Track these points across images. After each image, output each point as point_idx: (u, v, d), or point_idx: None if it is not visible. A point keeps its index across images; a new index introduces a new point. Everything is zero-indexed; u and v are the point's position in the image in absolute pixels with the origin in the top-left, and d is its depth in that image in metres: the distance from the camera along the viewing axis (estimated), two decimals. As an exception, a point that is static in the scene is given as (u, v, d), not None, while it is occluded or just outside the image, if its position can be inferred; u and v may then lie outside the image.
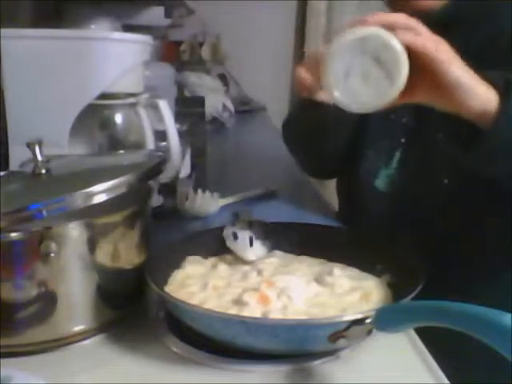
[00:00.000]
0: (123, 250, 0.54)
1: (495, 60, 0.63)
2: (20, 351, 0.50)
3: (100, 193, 0.50)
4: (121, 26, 1.15)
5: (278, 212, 0.90)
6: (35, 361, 0.50)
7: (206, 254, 0.65)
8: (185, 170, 0.92)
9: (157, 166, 0.60)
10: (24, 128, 0.68)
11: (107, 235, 0.53)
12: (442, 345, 0.53)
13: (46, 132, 0.61)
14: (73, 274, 0.51)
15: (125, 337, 0.53)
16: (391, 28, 0.53)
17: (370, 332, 0.46)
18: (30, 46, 0.69)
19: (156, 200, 0.80)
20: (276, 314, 0.52)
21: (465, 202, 0.76)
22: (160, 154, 0.68)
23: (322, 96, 0.59)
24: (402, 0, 0.78)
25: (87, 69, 0.70)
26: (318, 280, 0.58)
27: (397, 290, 0.55)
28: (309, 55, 0.58)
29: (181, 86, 1.77)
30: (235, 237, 0.65)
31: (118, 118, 0.76)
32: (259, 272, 0.60)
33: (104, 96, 0.72)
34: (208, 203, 0.91)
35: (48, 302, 0.50)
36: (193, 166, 0.97)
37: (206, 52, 2.29)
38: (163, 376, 0.48)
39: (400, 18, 0.55)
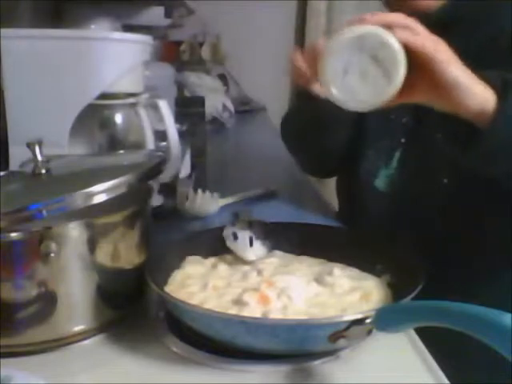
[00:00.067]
0: (123, 250, 0.54)
1: (494, 60, 0.63)
2: (20, 351, 0.50)
3: (100, 193, 0.50)
4: (121, 25, 1.15)
5: (278, 212, 0.90)
6: (35, 361, 0.50)
7: (206, 254, 0.65)
8: (185, 170, 0.92)
9: (157, 166, 0.60)
10: (24, 128, 0.68)
11: (107, 235, 0.53)
12: (442, 345, 0.53)
13: (46, 132, 0.61)
14: (73, 274, 0.51)
15: (125, 337, 0.53)
16: (390, 27, 0.53)
17: (370, 332, 0.46)
18: (30, 46, 0.69)
19: (156, 200, 0.80)
20: (276, 313, 0.52)
21: (465, 201, 0.76)
22: (160, 154, 0.68)
23: (317, 89, 0.59)
24: (401, 0, 0.78)
25: (87, 69, 0.70)
26: (318, 280, 0.58)
27: (397, 290, 0.55)
28: (307, 47, 0.58)
29: (181, 85, 1.77)
30: (235, 237, 0.65)
31: (118, 118, 0.76)
32: (259, 272, 0.60)
33: (104, 96, 0.72)
34: (208, 203, 0.91)
35: (48, 302, 0.50)
36: (193, 166, 0.97)
37: (206, 52, 2.29)
38: (163, 376, 0.48)
39: (398, 17, 0.55)
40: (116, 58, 0.72)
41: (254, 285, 0.57)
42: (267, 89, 2.34)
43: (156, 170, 0.60)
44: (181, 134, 0.79)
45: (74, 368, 0.51)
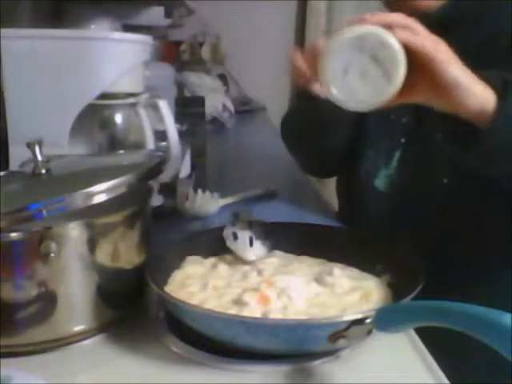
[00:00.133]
0: (123, 250, 0.54)
1: (494, 60, 0.63)
2: (20, 351, 0.50)
3: (100, 193, 0.50)
4: (121, 25, 1.15)
5: (278, 212, 0.90)
6: (35, 361, 0.50)
7: (206, 254, 0.65)
8: (185, 170, 0.92)
9: (157, 166, 0.60)
10: (24, 128, 0.68)
11: (107, 235, 0.53)
12: (442, 345, 0.53)
13: (46, 132, 0.61)
14: (73, 274, 0.51)
15: (125, 337, 0.53)
16: (390, 27, 0.53)
17: (370, 332, 0.46)
18: (30, 46, 0.69)
19: (156, 200, 0.80)
20: (276, 314, 0.52)
21: (465, 201, 0.76)
22: (160, 154, 0.68)
23: (317, 89, 0.59)
24: (401, 0, 0.78)
25: (87, 69, 0.70)
26: (318, 280, 0.58)
27: (397, 290, 0.55)
28: (307, 47, 0.58)
29: (181, 85, 1.77)
30: (235, 237, 0.65)
31: (118, 118, 0.76)
32: (259, 272, 0.60)
33: (104, 96, 0.72)
34: (208, 203, 0.91)
35: (48, 302, 0.50)
36: (193, 166, 0.97)
37: (205, 52, 2.29)
38: (163, 376, 0.48)
39: (398, 17, 0.55)
40: (116, 58, 0.72)
41: (254, 285, 0.57)
42: (267, 89, 2.34)
43: (156, 170, 0.60)
44: (181, 134, 0.79)
45: (74, 368, 0.51)
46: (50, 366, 0.49)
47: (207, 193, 0.92)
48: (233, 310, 0.52)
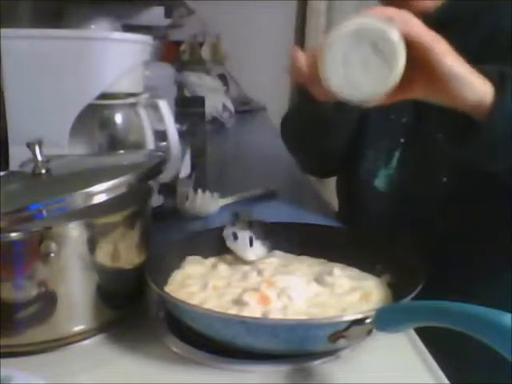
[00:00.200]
0: (123, 250, 0.54)
1: (494, 59, 0.63)
2: (20, 351, 0.50)
3: (100, 193, 0.50)
4: (121, 25, 1.14)
5: (278, 212, 0.90)
6: (35, 361, 0.50)
7: (206, 254, 0.65)
8: (185, 170, 0.92)
9: (157, 166, 0.60)
10: (24, 128, 0.68)
11: (107, 235, 0.53)
12: (442, 345, 0.53)
13: (46, 132, 0.61)
14: (73, 274, 0.51)
15: (125, 337, 0.53)
16: (388, 20, 0.53)
17: (370, 332, 0.46)
18: (30, 46, 0.69)
19: (156, 200, 0.80)
20: (276, 314, 0.52)
21: (464, 201, 0.76)
22: (160, 154, 0.68)
23: (316, 91, 0.59)
24: (400, 0, 0.78)
25: (87, 69, 0.70)
26: (318, 280, 0.58)
27: (397, 290, 0.55)
28: (308, 48, 0.58)
29: (181, 85, 1.77)
30: (235, 237, 0.65)
31: (118, 118, 0.76)
32: (259, 272, 0.60)
33: (104, 96, 0.72)
34: (208, 203, 0.91)
35: (48, 302, 0.50)
36: (193, 166, 0.97)
37: (206, 52, 2.29)
38: (163, 376, 0.48)
39: (397, 10, 0.55)
40: (116, 58, 0.72)
41: (254, 285, 0.57)
42: (267, 89, 2.34)
43: (156, 169, 0.60)
44: (181, 134, 0.79)
45: (74, 368, 0.51)
46: (49, 366, 0.49)
47: (207, 193, 0.92)
48: (233, 310, 0.52)
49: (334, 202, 1.03)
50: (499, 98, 0.56)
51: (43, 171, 0.55)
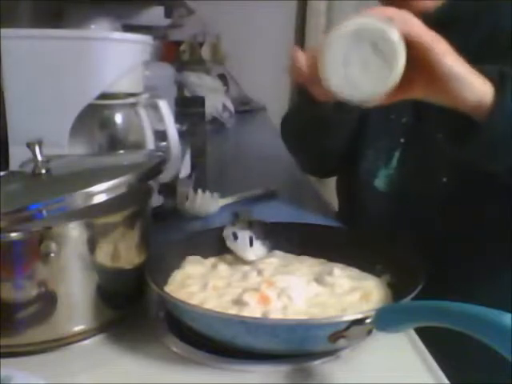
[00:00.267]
0: (123, 250, 0.54)
1: (494, 59, 0.63)
2: (20, 351, 0.50)
3: (100, 193, 0.50)
4: (121, 25, 1.15)
5: (278, 212, 0.90)
6: (35, 361, 0.50)
7: (206, 254, 0.65)
8: (185, 170, 0.92)
9: (157, 166, 0.60)
10: (24, 128, 0.68)
11: (107, 235, 0.53)
12: (442, 345, 0.53)
13: (46, 132, 0.61)
14: (73, 274, 0.51)
15: (125, 337, 0.53)
16: (389, 19, 0.53)
17: (370, 332, 0.46)
18: (30, 46, 0.69)
19: (156, 200, 0.80)
20: (276, 314, 0.52)
21: (464, 201, 0.76)
22: (160, 154, 0.68)
23: (316, 91, 0.59)
24: (400, 1, 0.78)
25: (87, 69, 0.70)
26: (318, 280, 0.58)
27: (397, 290, 0.55)
28: (308, 48, 0.58)
29: (181, 85, 1.77)
30: (235, 237, 0.65)
31: (118, 118, 0.76)
32: (259, 272, 0.60)
33: (104, 96, 0.72)
34: (208, 203, 0.91)
35: (48, 302, 0.50)
36: (193, 166, 0.97)
37: (205, 52, 2.29)
38: (163, 376, 0.48)
39: (397, 11, 0.55)
40: (116, 58, 0.72)
41: (254, 285, 0.57)
42: (267, 89, 2.34)
43: (156, 169, 0.60)
44: (181, 134, 0.79)
45: (74, 368, 0.51)
46: (49, 366, 0.49)
47: (207, 193, 0.92)
48: (233, 310, 0.52)
49: (334, 202, 1.03)
50: (499, 98, 0.56)
51: (43, 171, 0.55)
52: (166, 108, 0.77)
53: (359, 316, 0.46)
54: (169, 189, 0.84)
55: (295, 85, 1.96)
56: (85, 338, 0.53)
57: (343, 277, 0.59)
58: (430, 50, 0.54)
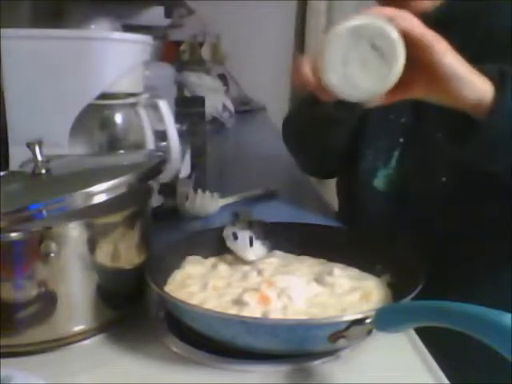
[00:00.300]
0: (123, 250, 0.54)
1: (493, 59, 0.63)
2: (20, 351, 0.50)
3: (100, 193, 0.50)
4: (121, 25, 1.14)
5: (278, 212, 0.90)
6: (35, 361, 0.50)
7: (206, 254, 0.65)
8: (185, 170, 0.92)
9: (157, 166, 0.60)
10: (24, 128, 0.68)
11: (107, 235, 0.53)
12: (442, 345, 0.53)
13: (46, 132, 0.61)
14: (73, 274, 0.51)
15: (125, 337, 0.53)
16: (388, 18, 0.53)
17: (370, 332, 0.46)
18: (30, 45, 0.69)
19: (156, 200, 0.80)
20: (276, 314, 0.52)
21: (464, 201, 0.76)
22: (160, 154, 0.68)
23: (322, 94, 0.59)
24: (399, 1, 0.78)
25: (87, 69, 0.70)
26: (318, 280, 0.58)
27: (397, 290, 0.55)
28: (308, 49, 0.58)
29: (181, 85, 1.77)
30: (235, 237, 0.65)
31: (118, 118, 0.76)
32: (259, 272, 0.60)
33: (104, 96, 0.72)
34: (208, 203, 0.91)
35: (48, 302, 0.50)
36: (193, 166, 0.97)
37: (205, 52, 2.29)
38: (163, 376, 0.48)
39: (397, 11, 0.55)
40: (116, 58, 0.72)
41: (254, 285, 0.57)
42: (267, 89, 2.34)
43: (156, 169, 0.60)
44: (181, 134, 0.79)
45: (74, 368, 0.51)
46: (49, 366, 0.49)
47: (207, 193, 0.92)
48: (233, 310, 0.52)
49: (334, 202, 1.03)
50: (499, 97, 0.56)
51: (43, 171, 0.55)
52: (166, 108, 0.77)
53: (359, 316, 0.46)
54: (169, 189, 0.84)
55: (295, 86, 1.96)
56: (85, 338, 0.53)
57: (343, 277, 0.59)
58: (430, 50, 0.54)
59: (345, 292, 0.56)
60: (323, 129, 0.87)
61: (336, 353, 0.50)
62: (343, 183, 1.00)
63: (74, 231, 0.50)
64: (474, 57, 0.56)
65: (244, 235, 0.65)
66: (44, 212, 0.47)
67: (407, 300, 0.49)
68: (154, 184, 0.67)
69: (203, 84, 1.92)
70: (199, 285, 0.58)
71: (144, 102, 0.78)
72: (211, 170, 1.12)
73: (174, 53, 2.11)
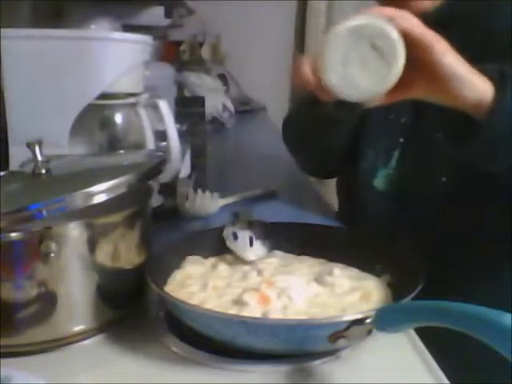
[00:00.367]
0: (123, 250, 0.54)
1: (493, 59, 0.63)
2: (20, 351, 0.50)
3: (100, 193, 0.50)
4: (121, 26, 1.14)
5: (278, 212, 0.90)
6: (35, 361, 0.50)
7: (206, 254, 0.65)
8: (185, 170, 0.92)
9: (157, 166, 0.60)
10: (24, 128, 0.68)
11: (107, 235, 0.53)
12: (442, 345, 0.53)
13: (46, 132, 0.61)
14: (73, 274, 0.51)
15: (125, 337, 0.53)
16: (388, 18, 0.53)
17: (370, 332, 0.46)
18: (30, 45, 0.69)
19: (156, 200, 0.80)
20: (276, 314, 0.52)
21: (464, 201, 0.76)
22: (160, 154, 0.68)
23: (322, 94, 0.59)
24: (399, 1, 0.78)
25: (87, 69, 0.70)
26: (318, 280, 0.58)
27: (397, 290, 0.55)
28: (308, 49, 0.58)
29: (181, 85, 1.77)
30: (235, 237, 0.65)
31: (118, 118, 0.76)
32: (259, 272, 0.60)
33: (104, 96, 0.72)
34: (208, 203, 0.91)
35: (48, 302, 0.50)
36: (193, 166, 0.97)
37: (205, 52, 2.29)
38: (163, 376, 0.48)
39: (397, 11, 0.55)
40: (116, 58, 0.72)
41: (254, 285, 0.57)
42: (267, 89, 2.34)
43: (156, 169, 0.60)
44: (181, 134, 0.79)
45: (74, 368, 0.51)
46: (49, 366, 0.49)
47: (207, 193, 0.92)
48: (233, 310, 0.52)
49: (334, 202, 1.03)
50: (499, 97, 0.56)
51: (43, 171, 0.55)
52: (166, 108, 0.77)
53: (359, 316, 0.46)
54: (169, 189, 0.84)
55: (295, 86, 1.96)
56: (85, 338, 0.53)
57: (343, 277, 0.59)
58: (430, 50, 0.54)
59: (345, 292, 0.56)
60: (323, 129, 0.87)
61: (336, 353, 0.50)
62: (343, 183, 1.00)
63: (74, 231, 0.50)
64: (474, 57, 0.56)
65: (244, 235, 0.65)
66: (44, 212, 0.47)
67: (407, 300, 0.49)
68: (154, 184, 0.67)
69: (203, 84, 1.92)
70: (199, 285, 0.58)
71: (144, 102, 0.78)
72: (211, 170, 1.12)
73: (173, 53, 2.11)
